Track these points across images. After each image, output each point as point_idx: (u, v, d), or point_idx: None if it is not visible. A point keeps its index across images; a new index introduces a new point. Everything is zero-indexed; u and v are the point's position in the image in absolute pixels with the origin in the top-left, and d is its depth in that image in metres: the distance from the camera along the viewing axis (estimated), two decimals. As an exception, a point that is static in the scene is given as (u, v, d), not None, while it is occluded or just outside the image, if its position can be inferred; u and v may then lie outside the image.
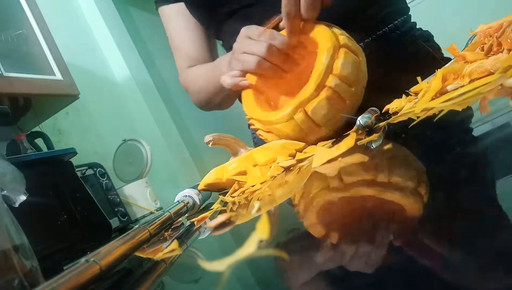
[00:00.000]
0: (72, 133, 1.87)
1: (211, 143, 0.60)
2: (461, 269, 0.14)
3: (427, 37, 0.82)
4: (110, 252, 0.28)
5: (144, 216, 1.71)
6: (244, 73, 0.65)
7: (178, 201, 0.52)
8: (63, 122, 1.84)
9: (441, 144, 0.34)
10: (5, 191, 0.36)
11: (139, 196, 1.76)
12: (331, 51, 0.55)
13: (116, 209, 1.63)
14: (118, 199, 1.67)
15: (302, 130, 0.56)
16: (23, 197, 0.39)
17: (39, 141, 1.53)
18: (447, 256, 0.15)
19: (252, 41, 0.62)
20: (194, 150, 2.46)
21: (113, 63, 2.32)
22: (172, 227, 0.49)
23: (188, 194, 0.54)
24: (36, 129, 1.64)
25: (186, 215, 0.53)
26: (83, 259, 0.24)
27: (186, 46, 0.88)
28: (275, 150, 0.55)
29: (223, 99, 0.89)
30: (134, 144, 1.88)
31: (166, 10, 0.89)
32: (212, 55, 0.90)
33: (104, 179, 1.65)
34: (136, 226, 0.36)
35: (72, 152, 1.24)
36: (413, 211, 0.21)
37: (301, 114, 0.55)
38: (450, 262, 0.14)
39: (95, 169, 1.64)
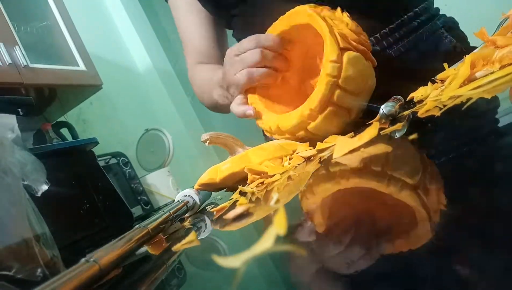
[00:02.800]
0: (96, 123, 1.90)
1: (207, 142, 0.59)
2: (487, 271, 0.13)
3: (452, 25, 0.77)
4: (110, 252, 0.28)
5: (166, 205, 1.73)
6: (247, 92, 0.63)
7: (178, 200, 0.52)
8: (87, 112, 1.87)
9: (469, 134, 0.32)
10: (26, 181, 0.36)
11: (162, 185, 1.79)
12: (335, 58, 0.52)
13: (139, 198, 1.66)
14: (141, 188, 1.70)
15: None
16: (44, 187, 0.40)
17: (65, 131, 1.56)
18: (474, 259, 0.14)
19: (239, 57, 0.60)
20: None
21: (135, 53, 2.34)
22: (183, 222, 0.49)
23: (188, 194, 0.53)
24: (62, 119, 1.68)
25: (187, 214, 0.53)
26: (83, 259, 0.24)
27: (195, 40, 0.87)
28: (271, 150, 0.53)
29: (222, 110, 0.89)
30: (156, 134, 1.90)
31: (176, 3, 0.88)
32: (222, 49, 0.88)
33: (127, 168, 1.68)
34: (136, 226, 0.36)
35: (94, 142, 1.26)
36: (432, 207, 0.20)
37: (302, 132, 0.55)
38: (476, 264, 0.13)
39: (118, 158, 1.67)
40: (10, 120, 0.37)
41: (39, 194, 0.40)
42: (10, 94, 1.16)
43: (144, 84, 2.33)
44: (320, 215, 0.27)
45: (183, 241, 0.33)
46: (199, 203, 0.54)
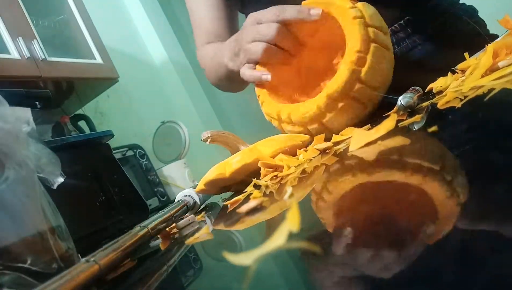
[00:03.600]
0: (113, 116, 1.92)
1: (209, 140, 0.57)
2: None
3: (472, 12, 0.76)
4: (110, 252, 0.28)
5: (182, 197, 1.74)
6: (255, 63, 0.60)
7: (178, 200, 0.52)
8: (104, 104, 1.89)
9: (492, 127, 0.31)
10: (41, 174, 0.36)
11: (178, 177, 1.80)
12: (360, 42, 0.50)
13: (155, 189, 1.67)
14: (157, 180, 1.71)
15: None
16: (60, 179, 0.40)
17: (82, 124, 1.59)
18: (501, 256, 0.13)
19: (258, 26, 0.57)
20: (231, 130, 2.46)
21: (151, 46, 2.35)
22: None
23: (188, 194, 0.53)
24: (79, 112, 1.70)
25: (187, 214, 0.52)
26: (83, 259, 0.24)
27: (205, 21, 0.86)
28: (281, 140, 0.51)
29: (230, 84, 0.86)
30: (172, 126, 1.91)
31: None
32: (232, 32, 0.87)
33: (144, 160, 1.70)
34: (136, 226, 0.36)
35: (109, 135, 1.27)
36: (454, 205, 0.19)
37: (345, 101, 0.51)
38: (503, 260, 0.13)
39: (135, 150, 1.69)
40: (25, 113, 0.37)
41: (54, 187, 0.40)
42: (28, 88, 1.17)
43: (160, 77, 2.34)
44: (340, 215, 0.26)
45: (197, 235, 0.32)
46: (199, 203, 0.54)
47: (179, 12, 2.62)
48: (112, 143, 1.36)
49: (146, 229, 0.35)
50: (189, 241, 0.33)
